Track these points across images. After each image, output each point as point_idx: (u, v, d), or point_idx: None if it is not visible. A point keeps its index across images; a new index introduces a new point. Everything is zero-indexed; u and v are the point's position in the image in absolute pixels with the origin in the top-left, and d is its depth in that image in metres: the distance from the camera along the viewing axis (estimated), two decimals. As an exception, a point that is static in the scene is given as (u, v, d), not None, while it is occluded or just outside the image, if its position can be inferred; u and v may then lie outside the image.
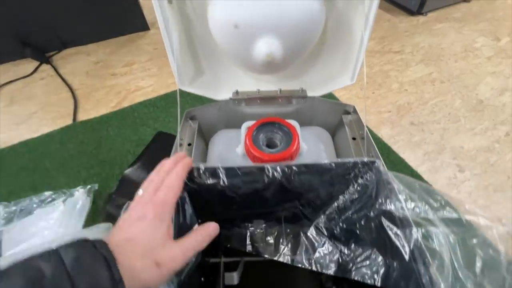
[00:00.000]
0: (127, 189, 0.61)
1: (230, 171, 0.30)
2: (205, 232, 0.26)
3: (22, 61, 0.97)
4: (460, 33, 1.12)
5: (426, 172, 0.67)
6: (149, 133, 0.74)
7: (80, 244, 0.20)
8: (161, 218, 0.23)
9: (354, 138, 0.40)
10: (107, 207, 0.58)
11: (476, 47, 1.05)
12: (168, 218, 0.24)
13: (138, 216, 0.23)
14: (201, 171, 0.30)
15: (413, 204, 0.22)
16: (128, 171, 0.63)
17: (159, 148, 0.69)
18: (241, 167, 0.30)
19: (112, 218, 0.56)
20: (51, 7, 0.92)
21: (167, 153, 0.70)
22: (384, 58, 1.00)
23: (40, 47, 0.97)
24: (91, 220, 0.58)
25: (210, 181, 0.30)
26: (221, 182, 0.30)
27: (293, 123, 0.43)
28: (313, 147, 0.43)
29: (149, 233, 0.22)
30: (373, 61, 0.98)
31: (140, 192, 0.27)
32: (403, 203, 0.23)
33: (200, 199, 0.31)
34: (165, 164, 0.29)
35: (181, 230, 0.28)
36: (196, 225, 0.29)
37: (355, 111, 0.42)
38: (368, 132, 0.35)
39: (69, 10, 0.95)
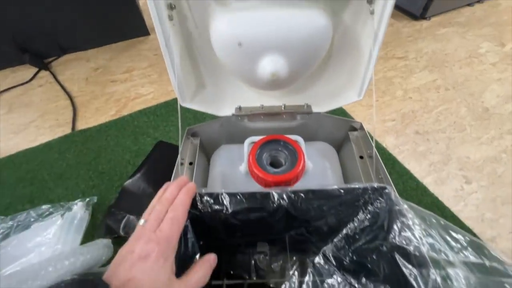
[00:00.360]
0: (126, 202, 0.60)
1: (234, 197, 0.28)
2: (206, 266, 0.25)
3: (21, 67, 0.95)
4: (464, 38, 1.10)
5: (432, 183, 0.66)
6: (149, 142, 0.72)
7: (83, 286, 0.19)
8: (165, 256, 0.22)
9: (361, 157, 0.38)
10: (106, 220, 0.57)
11: (480, 52, 1.03)
12: (172, 255, 0.23)
13: (140, 255, 0.22)
14: (204, 198, 0.28)
15: (430, 241, 0.21)
16: (127, 183, 0.62)
17: (159, 158, 0.67)
18: (245, 192, 0.29)
19: (112, 232, 0.55)
20: (51, 12, 0.91)
21: (167, 164, 0.69)
22: (388, 64, 0.98)
23: (39, 53, 0.96)
24: (90, 234, 0.56)
25: (213, 207, 0.29)
26: (225, 209, 0.28)
27: (298, 139, 0.41)
28: (318, 165, 0.41)
29: (153, 274, 0.21)
30: (377, 67, 0.96)
31: (141, 222, 0.26)
32: (418, 239, 0.21)
33: (203, 225, 0.29)
34: (167, 190, 0.28)
35: (182, 260, 0.27)
36: (198, 255, 0.28)
37: (362, 128, 0.41)
38: (377, 153, 0.34)
39: (69, 15, 0.94)
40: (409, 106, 0.84)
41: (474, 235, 0.57)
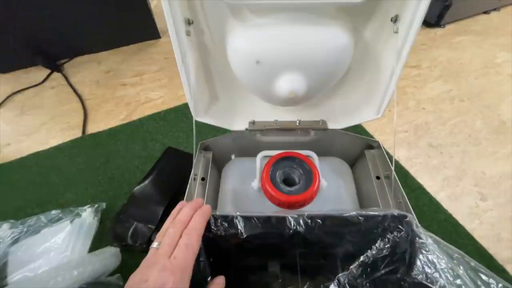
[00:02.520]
0: (135, 209, 0.59)
1: (249, 221, 0.28)
2: None
3: (33, 69, 0.97)
4: (480, 47, 1.07)
5: (446, 199, 0.64)
6: (158, 148, 0.72)
7: None
8: (180, 287, 0.21)
9: (378, 177, 0.37)
10: (114, 228, 0.56)
11: (497, 63, 1.01)
12: (187, 285, 0.22)
13: (155, 285, 0.21)
14: (218, 221, 0.28)
15: (457, 282, 0.19)
16: (136, 189, 0.61)
17: (167, 165, 0.67)
18: (260, 216, 0.28)
19: (120, 240, 0.55)
20: (64, 15, 0.91)
21: (175, 171, 0.68)
22: (401, 73, 0.96)
23: (52, 55, 0.97)
24: (98, 240, 0.56)
25: (227, 230, 0.28)
26: (239, 233, 0.28)
27: (311, 154, 0.40)
28: (332, 182, 0.40)
29: None
30: (389, 76, 0.95)
31: (154, 244, 0.25)
32: (445, 279, 0.20)
33: (214, 246, 0.29)
34: (182, 212, 0.27)
35: (193, 283, 0.26)
36: (210, 278, 0.27)
37: (379, 147, 0.39)
38: (396, 176, 0.33)
39: (81, 18, 0.95)
40: (422, 117, 0.82)
41: (489, 255, 0.55)
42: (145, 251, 0.54)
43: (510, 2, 1.29)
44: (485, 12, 1.25)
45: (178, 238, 0.25)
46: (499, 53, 1.04)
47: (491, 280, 0.19)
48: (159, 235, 0.26)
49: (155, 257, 0.23)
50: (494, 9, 1.27)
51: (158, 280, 0.21)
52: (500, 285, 0.19)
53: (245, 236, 0.27)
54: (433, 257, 0.22)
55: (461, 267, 0.20)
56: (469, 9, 1.20)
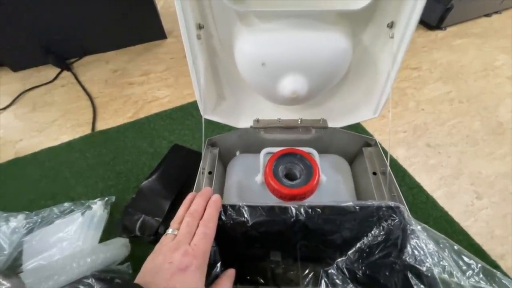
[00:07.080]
0: (142, 203, 0.62)
1: (254, 210, 0.30)
2: (229, 280, 0.27)
3: (44, 67, 1.00)
4: (481, 50, 1.09)
5: (442, 197, 0.66)
6: (164, 145, 0.75)
7: None
8: (201, 270, 0.24)
9: (374, 173, 0.39)
10: (123, 220, 0.59)
11: (496, 65, 1.02)
12: (206, 269, 0.25)
13: (179, 266, 0.23)
14: (228, 210, 0.30)
15: (442, 263, 0.22)
16: (144, 184, 0.64)
17: (174, 161, 0.70)
18: (264, 206, 0.30)
19: (128, 232, 0.57)
20: (73, 16, 0.94)
21: (181, 167, 0.71)
22: (401, 75, 0.98)
23: (62, 54, 1.00)
24: (108, 232, 0.59)
25: (235, 219, 0.30)
26: (245, 220, 0.30)
27: (312, 151, 0.43)
28: (331, 178, 0.43)
29: (191, 286, 0.22)
30: (390, 78, 0.97)
31: (170, 230, 0.27)
32: (431, 261, 0.22)
33: (223, 235, 0.31)
34: (195, 202, 0.29)
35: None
36: (220, 263, 0.30)
37: (376, 145, 0.42)
38: (391, 171, 0.35)
39: (90, 19, 0.98)
40: (421, 118, 0.84)
41: (483, 251, 0.57)
42: (152, 242, 0.57)
43: (512, 5, 1.30)
44: (487, 15, 1.26)
45: (196, 227, 0.27)
46: (499, 56, 1.06)
47: (471, 261, 0.21)
48: (174, 222, 0.28)
49: (176, 243, 0.25)
50: (496, 12, 1.28)
51: (182, 262, 0.23)
52: (479, 265, 0.21)
53: (250, 223, 0.30)
54: (421, 242, 0.24)
55: (446, 250, 0.22)
56: (471, 12, 1.22)
